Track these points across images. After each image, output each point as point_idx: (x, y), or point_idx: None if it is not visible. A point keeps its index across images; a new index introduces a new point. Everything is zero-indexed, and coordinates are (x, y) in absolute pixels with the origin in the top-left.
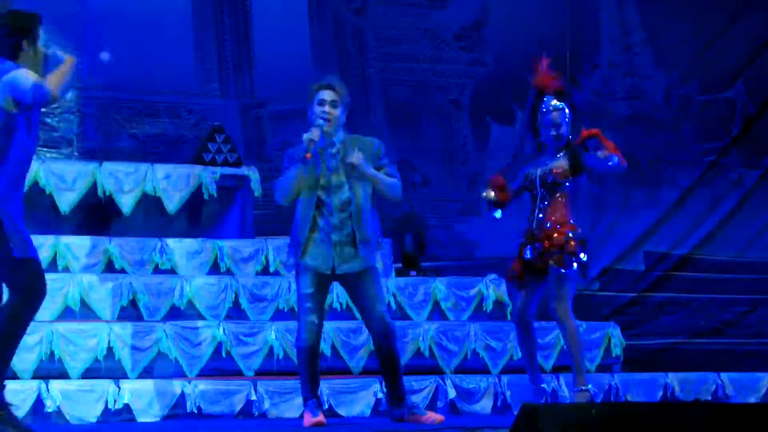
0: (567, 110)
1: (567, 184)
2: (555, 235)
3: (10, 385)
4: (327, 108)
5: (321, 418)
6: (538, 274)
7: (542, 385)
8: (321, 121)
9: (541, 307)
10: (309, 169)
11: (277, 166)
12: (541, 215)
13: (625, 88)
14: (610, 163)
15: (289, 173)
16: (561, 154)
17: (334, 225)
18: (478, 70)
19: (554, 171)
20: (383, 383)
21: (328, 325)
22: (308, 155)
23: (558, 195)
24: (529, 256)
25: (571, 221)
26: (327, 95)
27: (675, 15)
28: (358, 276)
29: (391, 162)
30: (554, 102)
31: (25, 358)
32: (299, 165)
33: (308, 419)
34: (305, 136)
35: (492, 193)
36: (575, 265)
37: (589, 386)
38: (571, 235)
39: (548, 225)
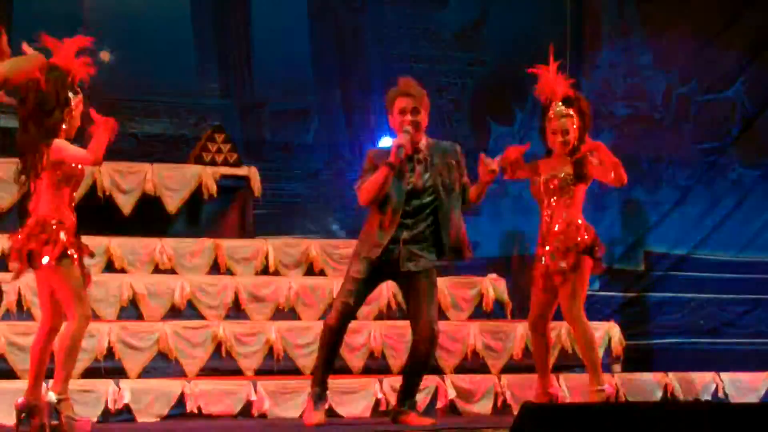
0: (575, 116)
1: (571, 188)
2: (564, 237)
3: (10, 385)
4: (409, 116)
5: (321, 416)
6: (555, 280)
7: (549, 390)
8: (408, 128)
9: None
10: (386, 177)
11: (278, 166)
12: (549, 219)
13: (625, 88)
14: (613, 179)
15: (375, 175)
16: (566, 160)
17: (408, 226)
18: (478, 70)
19: (559, 177)
20: (402, 384)
21: None
22: (397, 160)
23: (565, 199)
24: (544, 261)
25: (580, 221)
26: (406, 103)
27: (675, 15)
28: (417, 278)
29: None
30: (561, 108)
31: (25, 358)
32: (382, 168)
33: (309, 416)
34: (394, 141)
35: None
36: (587, 266)
37: (606, 386)
38: (580, 237)
39: (557, 227)
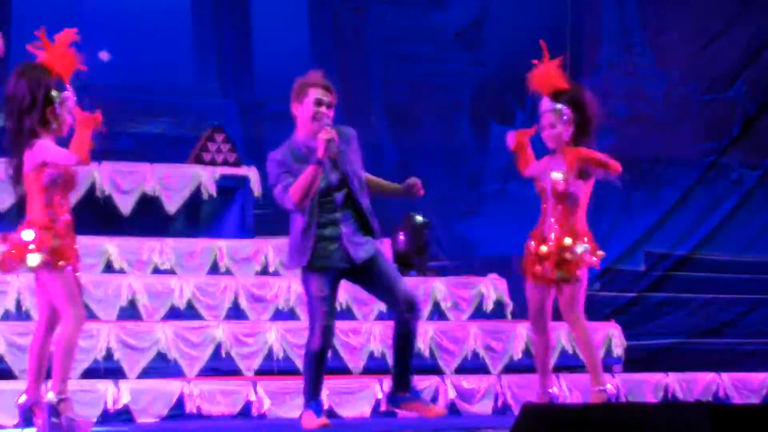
0: (564, 110)
1: (577, 192)
2: (565, 243)
3: (9, 386)
4: (324, 109)
5: (325, 419)
6: (551, 279)
7: (550, 390)
8: (328, 121)
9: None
10: (317, 174)
11: None
12: (553, 223)
13: (625, 88)
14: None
15: (304, 175)
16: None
17: (339, 220)
18: (478, 70)
19: (559, 182)
20: (394, 366)
21: None
22: (334, 154)
23: (568, 203)
24: (540, 261)
25: (582, 228)
26: (324, 95)
27: (675, 15)
28: (374, 260)
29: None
30: (547, 102)
31: (24, 358)
32: (312, 166)
33: (311, 421)
34: (322, 136)
35: (511, 139)
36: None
37: (607, 386)
38: (581, 244)
39: (559, 233)
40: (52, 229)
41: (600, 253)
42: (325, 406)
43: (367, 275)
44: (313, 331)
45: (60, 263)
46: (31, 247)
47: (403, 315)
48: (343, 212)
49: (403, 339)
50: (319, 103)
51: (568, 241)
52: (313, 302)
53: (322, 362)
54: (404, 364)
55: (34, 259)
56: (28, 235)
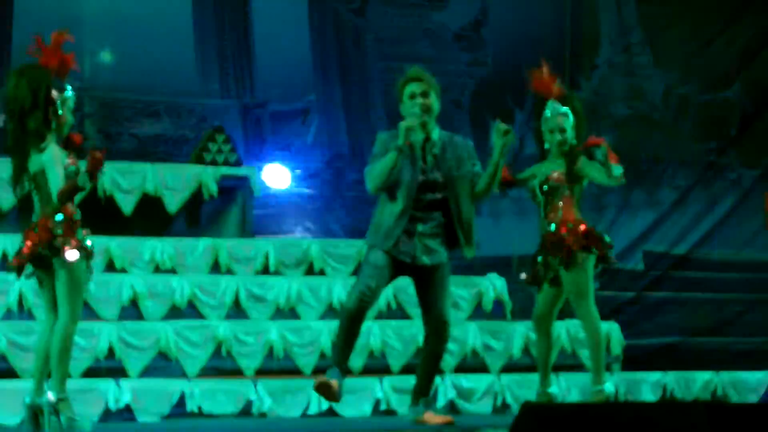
0: (570, 115)
1: (567, 189)
2: (565, 236)
3: (12, 385)
4: (419, 99)
5: (335, 385)
6: (556, 279)
7: (549, 390)
8: (417, 110)
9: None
10: (405, 159)
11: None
12: (547, 220)
13: (624, 88)
14: (609, 177)
15: (384, 160)
16: (561, 160)
17: (424, 219)
18: (478, 70)
19: (552, 179)
20: (417, 378)
21: (328, 326)
22: (407, 142)
23: (561, 199)
24: (543, 261)
25: (578, 218)
26: (416, 87)
27: (674, 15)
28: (433, 271)
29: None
30: (557, 106)
31: (25, 357)
32: (395, 152)
33: (325, 383)
34: (402, 124)
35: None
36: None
37: (606, 386)
38: (575, 234)
39: (555, 227)
40: (71, 222)
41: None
42: (326, 406)
43: (419, 282)
44: (352, 291)
45: (80, 251)
46: (60, 238)
47: (430, 337)
48: (431, 213)
49: (429, 360)
50: (412, 96)
51: (565, 229)
52: (365, 268)
53: (354, 325)
54: (425, 382)
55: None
56: (50, 227)
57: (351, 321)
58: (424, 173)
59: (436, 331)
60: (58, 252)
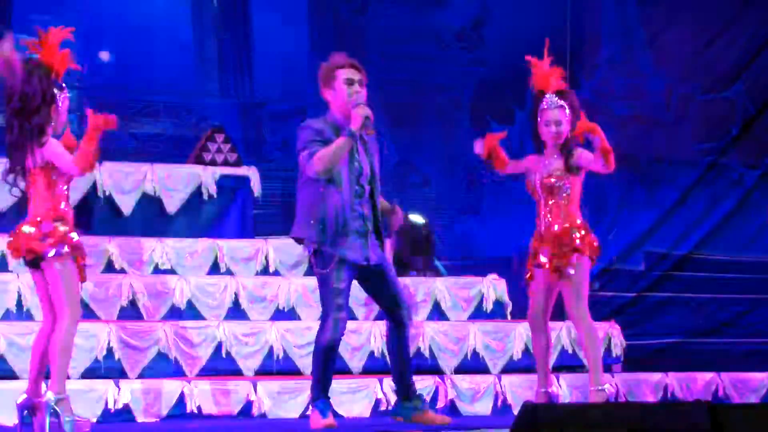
0: (567, 109)
1: (567, 185)
2: (564, 237)
3: (9, 385)
4: (358, 88)
5: (331, 419)
6: (551, 278)
7: (549, 390)
8: (362, 99)
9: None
10: (349, 147)
11: (278, 166)
12: (548, 218)
13: (625, 88)
14: (600, 163)
15: (336, 143)
16: (557, 154)
17: (366, 215)
18: (478, 70)
19: (551, 175)
20: (393, 378)
21: None
22: (370, 131)
23: (562, 196)
24: (540, 260)
25: (579, 221)
26: (354, 74)
27: (675, 15)
28: (383, 264)
29: None
30: (555, 99)
31: (24, 358)
32: (344, 137)
33: (318, 421)
34: (360, 111)
35: (479, 147)
36: (586, 264)
37: (606, 386)
38: (579, 238)
39: (556, 227)
40: (63, 222)
41: (596, 243)
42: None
43: (377, 278)
44: (325, 323)
45: (67, 256)
46: (44, 239)
47: (404, 322)
48: (368, 208)
49: (406, 347)
50: (350, 82)
51: (564, 230)
52: (328, 293)
53: (331, 357)
54: (409, 371)
55: (48, 251)
56: (36, 227)
57: (327, 355)
58: (360, 165)
59: (410, 314)
60: (43, 256)
